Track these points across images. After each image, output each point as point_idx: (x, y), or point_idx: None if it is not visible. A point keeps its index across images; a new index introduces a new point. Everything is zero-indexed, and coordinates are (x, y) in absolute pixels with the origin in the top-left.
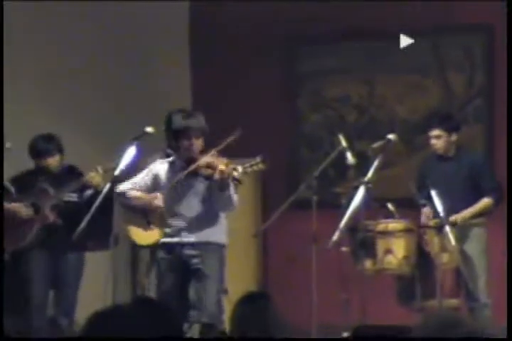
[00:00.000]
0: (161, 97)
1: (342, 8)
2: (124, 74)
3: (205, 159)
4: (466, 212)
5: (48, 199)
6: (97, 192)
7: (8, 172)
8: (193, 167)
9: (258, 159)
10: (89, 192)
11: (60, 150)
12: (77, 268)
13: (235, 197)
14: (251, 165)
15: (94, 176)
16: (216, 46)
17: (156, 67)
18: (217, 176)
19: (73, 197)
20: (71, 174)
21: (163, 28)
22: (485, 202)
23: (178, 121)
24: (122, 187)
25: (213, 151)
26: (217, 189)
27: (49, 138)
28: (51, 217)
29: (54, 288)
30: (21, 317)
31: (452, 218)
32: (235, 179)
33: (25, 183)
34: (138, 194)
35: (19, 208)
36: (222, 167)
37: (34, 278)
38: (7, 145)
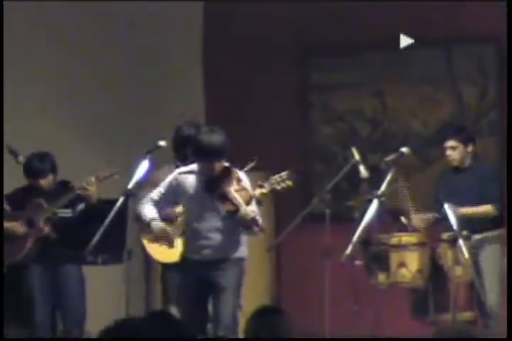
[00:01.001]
0: (171, 106)
1: (355, 20)
2: (132, 80)
3: (233, 193)
4: (463, 209)
5: (41, 212)
6: (89, 206)
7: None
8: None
9: (284, 175)
10: (81, 206)
11: (54, 170)
12: (78, 281)
13: (260, 222)
14: (278, 182)
15: (86, 187)
16: (228, 58)
17: (168, 76)
18: (238, 215)
19: (67, 212)
20: (64, 188)
21: (175, 31)
22: (485, 207)
23: (200, 140)
24: (147, 212)
25: (235, 185)
26: (243, 228)
27: (43, 158)
28: (45, 229)
29: (56, 303)
30: (23, 332)
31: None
32: (258, 202)
33: (20, 200)
34: (161, 226)
35: (15, 227)
36: (244, 210)
37: (33, 292)
38: (20, 159)
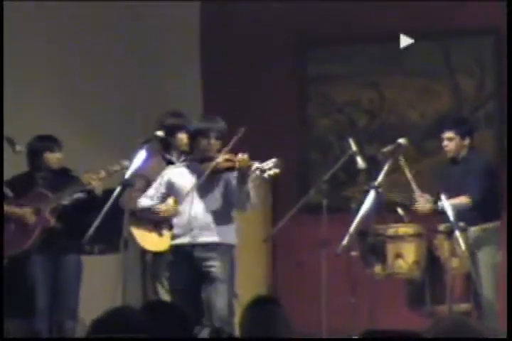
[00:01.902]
0: (171, 100)
1: (353, 12)
2: (131, 76)
3: (222, 156)
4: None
5: (47, 202)
6: (91, 196)
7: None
8: (213, 164)
9: (271, 162)
10: (77, 195)
11: (60, 149)
12: (77, 271)
13: (254, 195)
14: (264, 171)
15: (94, 179)
16: (227, 48)
17: (166, 70)
18: (237, 166)
19: (67, 200)
20: (66, 176)
21: (172, 30)
22: (462, 198)
23: (200, 122)
24: (143, 203)
25: (226, 149)
26: (238, 181)
27: (49, 137)
28: (52, 220)
29: (56, 292)
30: (24, 321)
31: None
32: (261, 171)
33: (23, 186)
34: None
35: (25, 213)
36: (241, 157)
37: (37, 282)
38: (18, 148)
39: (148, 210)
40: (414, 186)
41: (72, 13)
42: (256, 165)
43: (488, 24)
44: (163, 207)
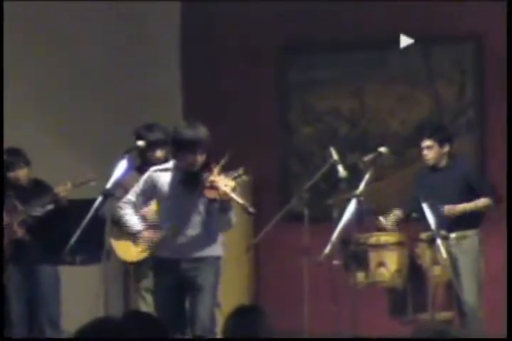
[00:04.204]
0: (150, 106)
1: (335, 19)
2: (113, 78)
3: (208, 181)
4: (461, 206)
5: (16, 214)
6: (59, 207)
7: None
8: (197, 191)
9: (240, 171)
10: (49, 206)
11: (28, 163)
12: (54, 282)
13: (234, 218)
14: (235, 178)
15: (62, 190)
16: (207, 55)
17: (147, 73)
18: (219, 198)
19: (38, 211)
20: (38, 188)
21: (152, 35)
22: (483, 201)
23: (186, 131)
24: (124, 212)
25: (216, 170)
26: (219, 210)
27: (15, 152)
28: (20, 232)
29: (35, 302)
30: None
31: (446, 207)
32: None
33: None
34: (140, 228)
35: None
36: (224, 189)
37: (11, 292)
38: None
39: (128, 228)
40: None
41: (49, 13)
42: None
43: (470, 31)
44: (149, 210)
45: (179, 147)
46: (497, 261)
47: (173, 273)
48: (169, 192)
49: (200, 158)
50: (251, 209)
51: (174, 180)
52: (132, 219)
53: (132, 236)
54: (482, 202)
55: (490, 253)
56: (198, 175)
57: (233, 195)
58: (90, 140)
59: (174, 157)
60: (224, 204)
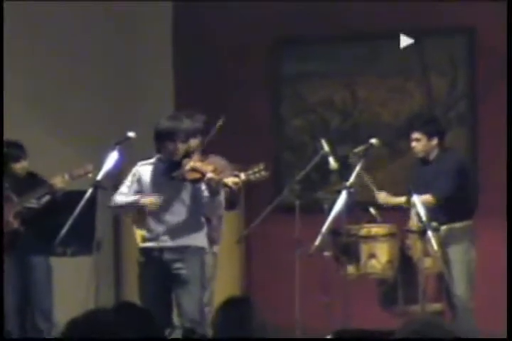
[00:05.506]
0: (143, 100)
1: (327, 11)
2: (105, 75)
3: (190, 164)
4: (398, 199)
5: (11, 206)
6: (55, 199)
7: None
8: (180, 172)
9: (261, 166)
10: (45, 198)
11: (26, 156)
12: (47, 273)
13: (223, 203)
14: (254, 173)
15: (58, 182)
16: (199, 46)
17: (139, 68)
18: (206, 182)
19: (33, 203)
20: (32, 180)
21: (145, 29)
22: (425, 197)
23: (163, 123)
24: (118, 199)
25: (196, 156)
26: (208, 194)
27: (16, 145)
28: (15, 223)
29: (28, 293)
30: None
31: (382, 195)
32: (226, 186)
33: None
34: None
35: None
36: (210, 175)
37: (6, 282)
38: None
39: (129, 206)
40: (372, 186)
41: (43, 13)
42: (241, 174)
43: (462, 23)
44: (147, 200)
45: (158, 137)
46: (491, 255)
47: (156, 263)
48: (152, 184)
49: (182, 147)
50: (237, 180)
51: (157, 171)
52: (129, 198)
53: (138, 209)
54: (424, 197)
55: (483, 246)
56: (180, 163)
57: (218, 177)
58: (87, 134)
59: (157, 149)
60: (212, 188)
